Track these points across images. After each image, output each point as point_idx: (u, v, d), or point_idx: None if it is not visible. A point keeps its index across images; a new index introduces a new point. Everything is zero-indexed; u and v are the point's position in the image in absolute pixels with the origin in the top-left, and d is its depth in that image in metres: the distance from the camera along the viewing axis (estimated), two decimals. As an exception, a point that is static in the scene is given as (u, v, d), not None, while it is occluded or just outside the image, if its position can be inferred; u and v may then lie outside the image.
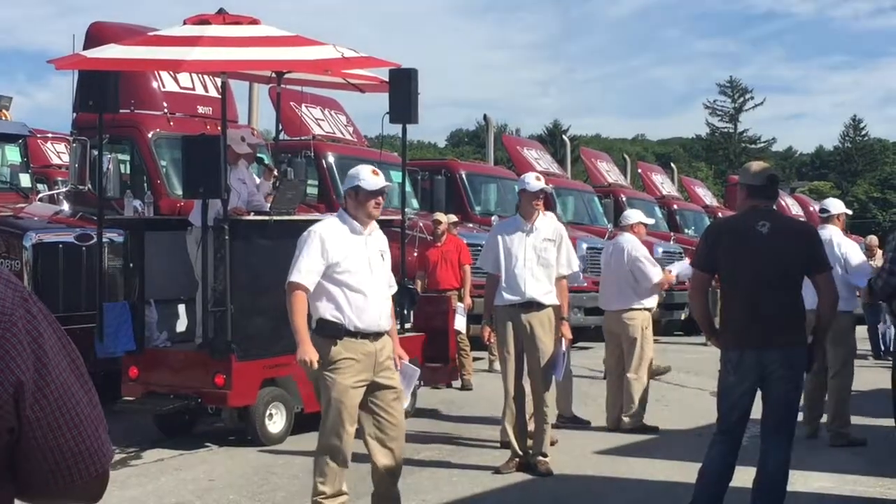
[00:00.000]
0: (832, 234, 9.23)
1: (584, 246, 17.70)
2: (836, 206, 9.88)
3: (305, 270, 6.03)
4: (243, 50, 9.13)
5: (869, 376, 13.34)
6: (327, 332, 6.07)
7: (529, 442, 8.27)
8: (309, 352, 5.98)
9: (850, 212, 10.44)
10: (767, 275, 5.89)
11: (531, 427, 8.30)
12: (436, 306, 11.25)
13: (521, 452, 8.23)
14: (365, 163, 6.77)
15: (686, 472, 6.85)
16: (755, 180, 6.08)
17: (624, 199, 22.74)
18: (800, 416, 6.97)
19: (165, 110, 12.22)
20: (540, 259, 8.12)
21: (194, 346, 9.35)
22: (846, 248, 9.31)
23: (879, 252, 15.32)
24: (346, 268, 6.05)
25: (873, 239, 18.05)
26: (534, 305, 8.12)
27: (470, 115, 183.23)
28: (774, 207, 6.40)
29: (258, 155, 10.86)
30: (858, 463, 8.58)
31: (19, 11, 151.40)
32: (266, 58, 9.41)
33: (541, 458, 8.17)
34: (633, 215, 10.69)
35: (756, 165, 6.35)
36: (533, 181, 8.20)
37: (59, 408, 1.67)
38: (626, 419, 9.89)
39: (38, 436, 1.66)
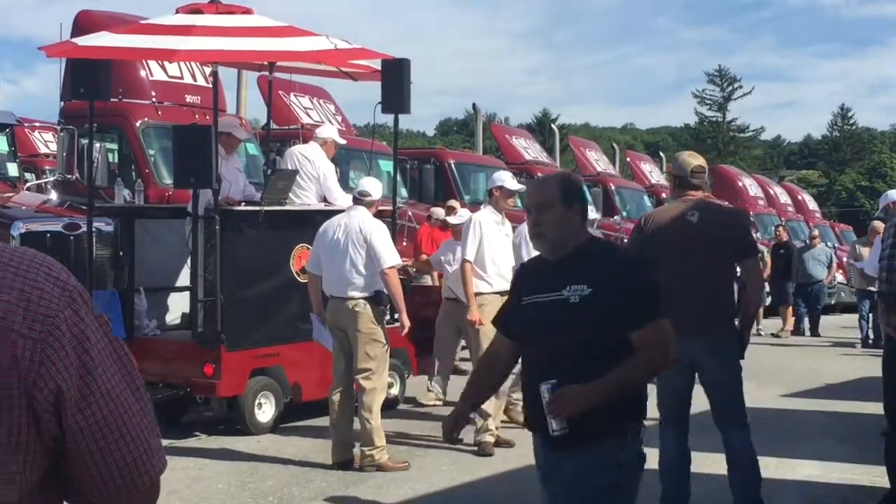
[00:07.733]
0: None
1: None
2: None
3: None
4: (236, 40, 9.08)
5: (858, 363, 13.43)
6: None
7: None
8: None
9: None
10: (695, 264, 5.88)
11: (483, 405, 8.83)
12: (425, 296, 11.23)
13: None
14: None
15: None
16: (683, 171, 6.15)
17: (612, 187, 22.79)
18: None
19: (154, 99, 12.17)
20: (509, 248, 8.77)
21: (184, 334, 9.32)
22: None
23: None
24: None
25: (879, 224, 17.91)
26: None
27: (459, 104, 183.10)
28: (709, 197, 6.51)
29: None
30: (846, 451, 8.61)
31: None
32: (259, 48, 9.37)
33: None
34: None
35: (684, 156, 6.38)
36: (510, 181, 8.81)
37: (106, 417, 1.56)
38: None
39: (82, 446, 1.55)
